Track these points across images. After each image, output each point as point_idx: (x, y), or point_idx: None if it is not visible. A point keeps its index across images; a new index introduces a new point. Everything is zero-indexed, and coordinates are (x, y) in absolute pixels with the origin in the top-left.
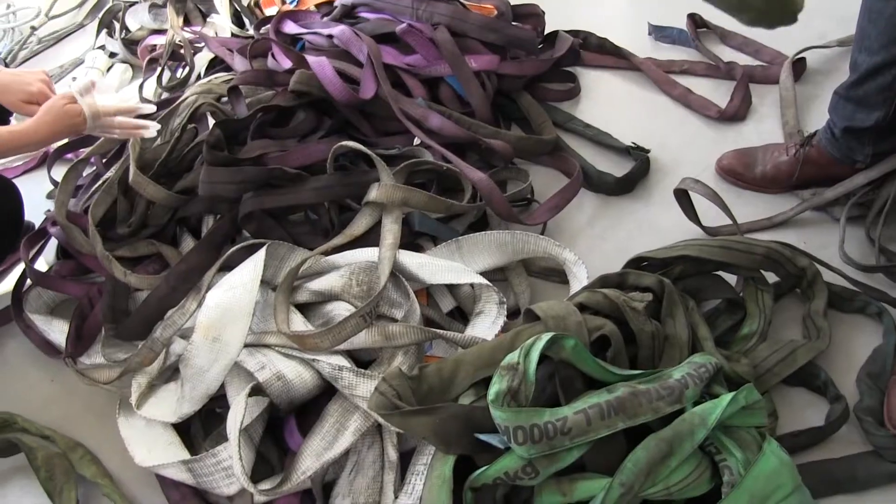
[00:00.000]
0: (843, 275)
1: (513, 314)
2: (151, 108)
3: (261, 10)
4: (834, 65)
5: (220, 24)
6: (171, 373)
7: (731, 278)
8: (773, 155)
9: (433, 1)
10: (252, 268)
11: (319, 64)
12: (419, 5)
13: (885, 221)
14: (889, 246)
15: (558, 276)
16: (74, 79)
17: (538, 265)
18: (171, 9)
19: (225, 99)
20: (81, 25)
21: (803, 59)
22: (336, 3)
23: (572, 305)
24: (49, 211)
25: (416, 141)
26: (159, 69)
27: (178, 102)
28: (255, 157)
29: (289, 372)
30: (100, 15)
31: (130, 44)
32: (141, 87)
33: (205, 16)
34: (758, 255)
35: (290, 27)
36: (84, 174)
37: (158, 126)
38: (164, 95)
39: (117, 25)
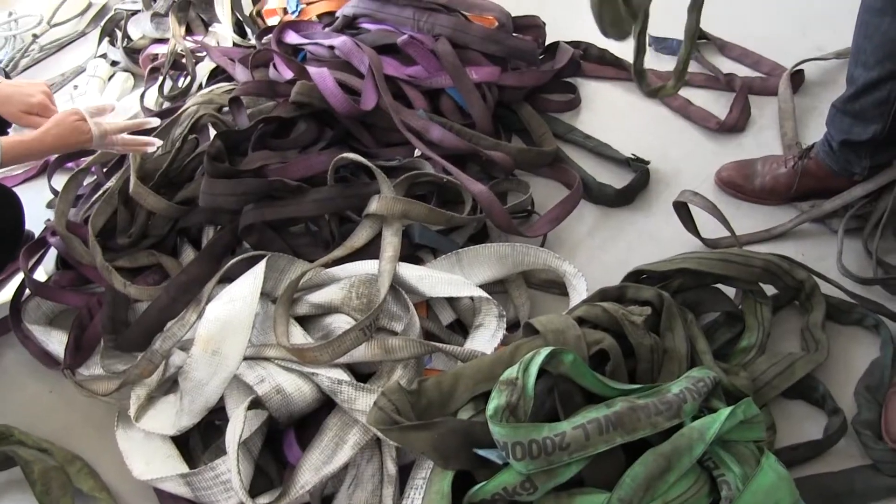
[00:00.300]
0: (840, 287)
1: (513, 326)
2: (156, 122)
3: (263, 20)
4: (832, 77)
5: (222, 33)
6: (170, 384)
7: (730, 291)
8: (772, 167)
9: (434, 13)
10: (252, 280)
11: (320, 75)
12: (421, 16)
13: (882, 233)
14: (886, 258)
15: (558, 288)
16: (76, 87)
17: (538, 277)
18: (172, 18)
19: (226, 109)
20: (83, 33)
21: (801, 70)
22: (338, 14)
23: (571, 319)
24: (49, 220)
25: (417, 153)
26: (161, 78)
27: (179, 112)
28: (255, 168)
29: (288, 385)
30: (102, 23)
31: (132, 52)
32: (142, 96)
33: (207, 25)
34: (756, 267)
35: (292, 37)
36: (84, 184)
37: (161, 142)
38: (166, 105)
39: (119, 34)
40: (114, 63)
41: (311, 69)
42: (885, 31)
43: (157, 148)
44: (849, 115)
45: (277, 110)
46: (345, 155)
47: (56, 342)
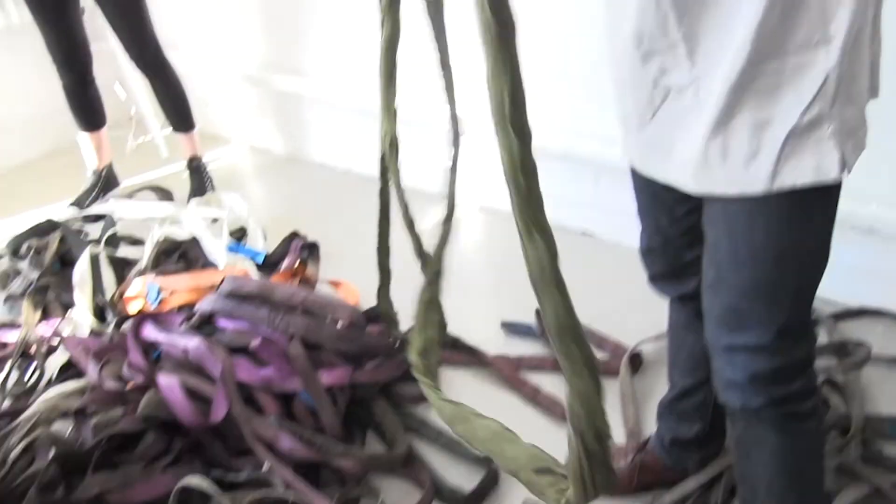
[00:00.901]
0: None
1: None
2: None
3: (124, 305)
4: None
5: (79, 320)
6: None
7: None
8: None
9: (289, 313)
10: None
11: (170, 387)
12: (276, 316)
13: None
14: None
15: None
16: None
17: None
18: (27, 303)
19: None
20: None
21: (639, 354)
22: (195, 310)
23: None
24: None
25: (267, 464)
26: (6, 371)
27: (19, 419)
28: (93, 496)
29: None
30: None
31: None
32: None
33: (66, 308)
34: None
35: (149, 331)
36: None
37: None
38: (7, 403)
39: None
40: None
41: (162, 380)
42: (691, 346)
43: None
44: (674, 414)
45: (124, 422)
46: (186, 481)
47: None
